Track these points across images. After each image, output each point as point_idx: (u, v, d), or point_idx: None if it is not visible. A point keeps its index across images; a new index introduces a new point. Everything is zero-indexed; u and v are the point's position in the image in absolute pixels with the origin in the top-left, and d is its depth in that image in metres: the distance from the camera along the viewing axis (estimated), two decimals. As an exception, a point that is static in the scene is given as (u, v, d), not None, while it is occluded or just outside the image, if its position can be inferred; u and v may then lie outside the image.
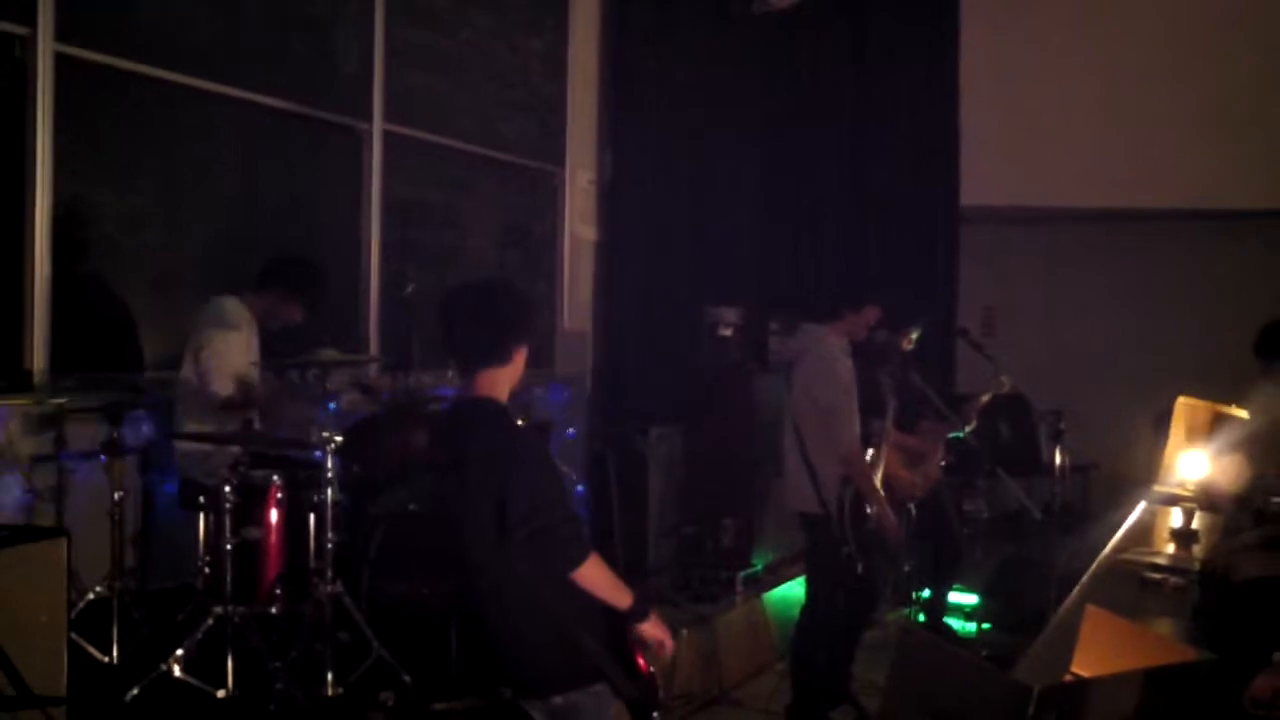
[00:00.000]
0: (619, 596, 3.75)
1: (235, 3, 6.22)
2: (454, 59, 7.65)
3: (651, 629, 3.82)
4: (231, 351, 5.48)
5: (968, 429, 6.99)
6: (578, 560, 3.65)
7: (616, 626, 3.75)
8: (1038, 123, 10.14)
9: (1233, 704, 3.07)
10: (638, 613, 3.77)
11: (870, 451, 6.11)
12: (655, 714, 3.78)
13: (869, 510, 5.90)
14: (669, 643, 3.91)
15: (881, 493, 6.01)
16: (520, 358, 3.87)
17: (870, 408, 6.29)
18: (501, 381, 3.84)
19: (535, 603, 3.66)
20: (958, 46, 10.01)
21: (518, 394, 4.04)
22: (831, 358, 5.97)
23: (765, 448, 7.43)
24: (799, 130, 10.22)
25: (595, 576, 3.70)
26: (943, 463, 6.97)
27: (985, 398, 7.05)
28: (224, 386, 5.41)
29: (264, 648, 4.91)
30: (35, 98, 5.30)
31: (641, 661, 3.77)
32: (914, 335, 7.02)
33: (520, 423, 3.85)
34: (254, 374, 5.56)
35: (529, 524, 3.59)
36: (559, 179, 8.69)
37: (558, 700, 3.75)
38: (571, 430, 7.86)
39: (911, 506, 6.73)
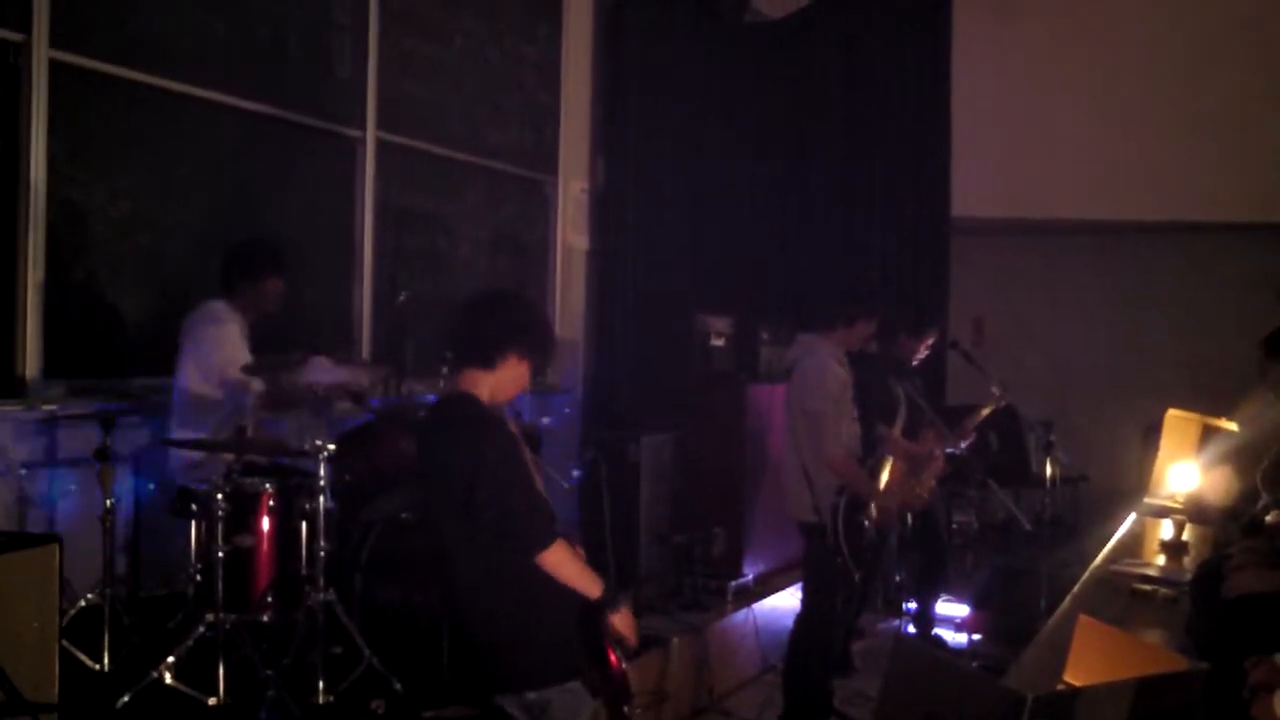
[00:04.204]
0: (588, 585, 3.77)
1: (230, 10, 6.22)
2: (448, 67, 7.66)
3: (620, 620, 3.84)
4: (232, 343, 5.45)
5: (964, 444, 7.03)
6: (541, 545, 3.67)
7: (589, 622, 3.76)
8: (1029, 135, 10.19)
9: (1223, 713, 3.09)
10: (608, 602, 3.79)
11: (870, 458, 6.16)
12: (626, 709, 3.79)
13: (866, 518, 5.93)
14: (633, 637, 3.94)
15: (879, 488, 6.06)
16: (509, 368, 3.91)
17: (879, 414, 6.34)
18: (482, 385, 3.87)
19: (507, 595, 3.69)
20: (949, 58, 10.03)
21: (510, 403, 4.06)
22: (822, 366, 6.00)
23: (757, 457, 7.45)
24: (791, 141, 10.23)
25: (561, 562, 3.72)
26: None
27: (985, 412, 7.09)
28: (241, 376, 5.39)
29: (255, 655, 4.90)
30: (29, 103, 5.29)
31: (613, 657, 3.78)
32: (931, 340, 7.09)
33: (491, 415, 3.85)
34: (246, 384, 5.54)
35: (493, 510, 3.64)
36: (552, 187, 8.70)
37: (531, 695, 3.77)
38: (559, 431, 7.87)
39: (909, 516, 6.77)
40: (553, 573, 3.69)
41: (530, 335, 3.98)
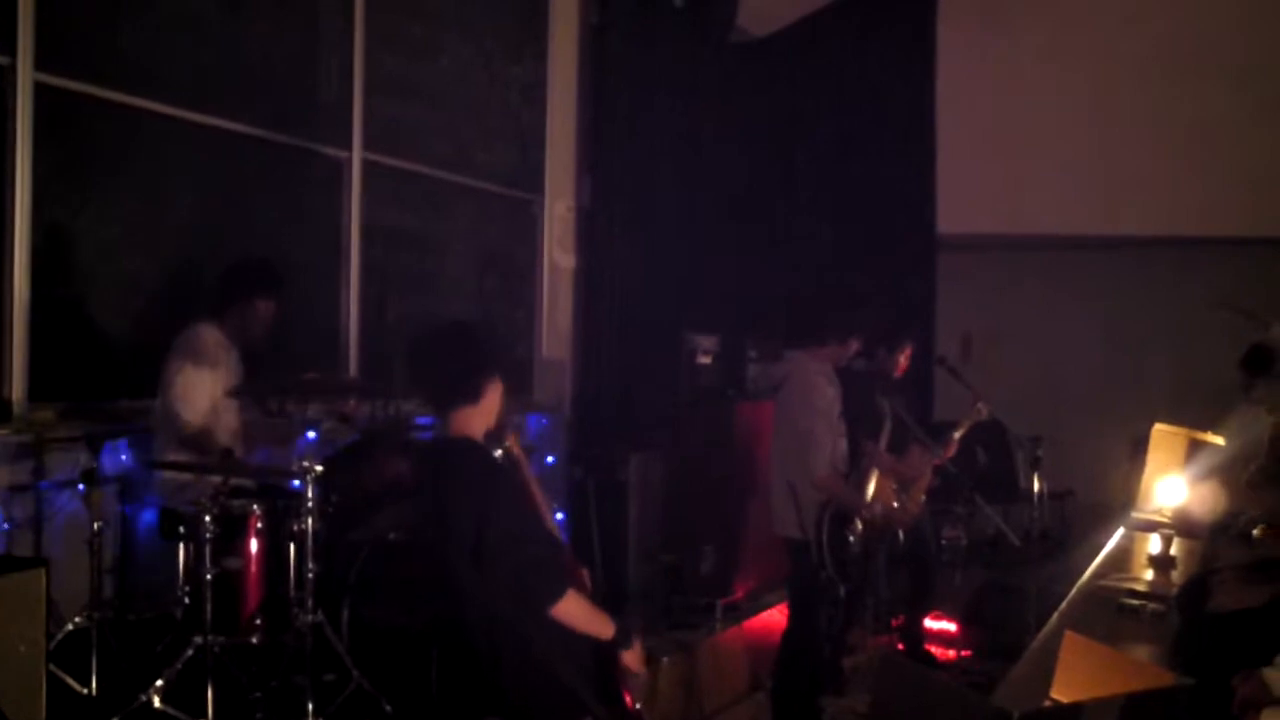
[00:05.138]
0: (601, 628, 3.77)
1: (215, 32, 6.22)
2: (433, 88, 7.67)
3: (630, 657, 3.84)
4: (203, 383, 5.46)
5: (946, 459, 7.04)
6: (555, 597, 3.66)
7: (603, 662, 3.75)
8: (1014, 151, 10.21)
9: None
10: (621, 641, 3.79)
11: (854, 472, 6.17)
12: None
13: (851, 533, 5.94)
14: (640, 667, 3.94)
15: (868, 498, 6.07)
16: (492, 395, 3.90)
17: (865, 429, 6.35)
18: (474, 419, 3.86)
19: (519, 638, 3.67)
20: (934, 75, 10.09)
21: (498, 423, 4.06)
22: (809, 384, 6.01)
23: (745, 475, 7.45)
24: (777, 157, 10.27)
25: (574, 611, 3.71)
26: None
27: (964, 428, 7.11)
28: (193, 416, 5.39)
29: (244, 678, 4.89)
30: (15, 126, 5.29)
31: (628, 698, 3.78)
32: (908, 351, 7.10)
33: (497, 456, 3.86)
34: (231, 408, 5.55)
35: (506, 560, 3.61)
36: (538, 207, 8.70)
37: None
38: (551, 458, 7.87)
39: (900, 532, 6.78)
40: (565, 622, 3.68)
41: (500, 356, 4.03)
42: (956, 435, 7.11)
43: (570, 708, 3.70)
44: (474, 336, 4.02)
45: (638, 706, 3.86)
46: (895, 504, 6.51)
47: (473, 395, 3.85)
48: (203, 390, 5.46)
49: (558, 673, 3.67)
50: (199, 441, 5.39)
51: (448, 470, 3.84)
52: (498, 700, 3.81)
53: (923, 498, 6.91)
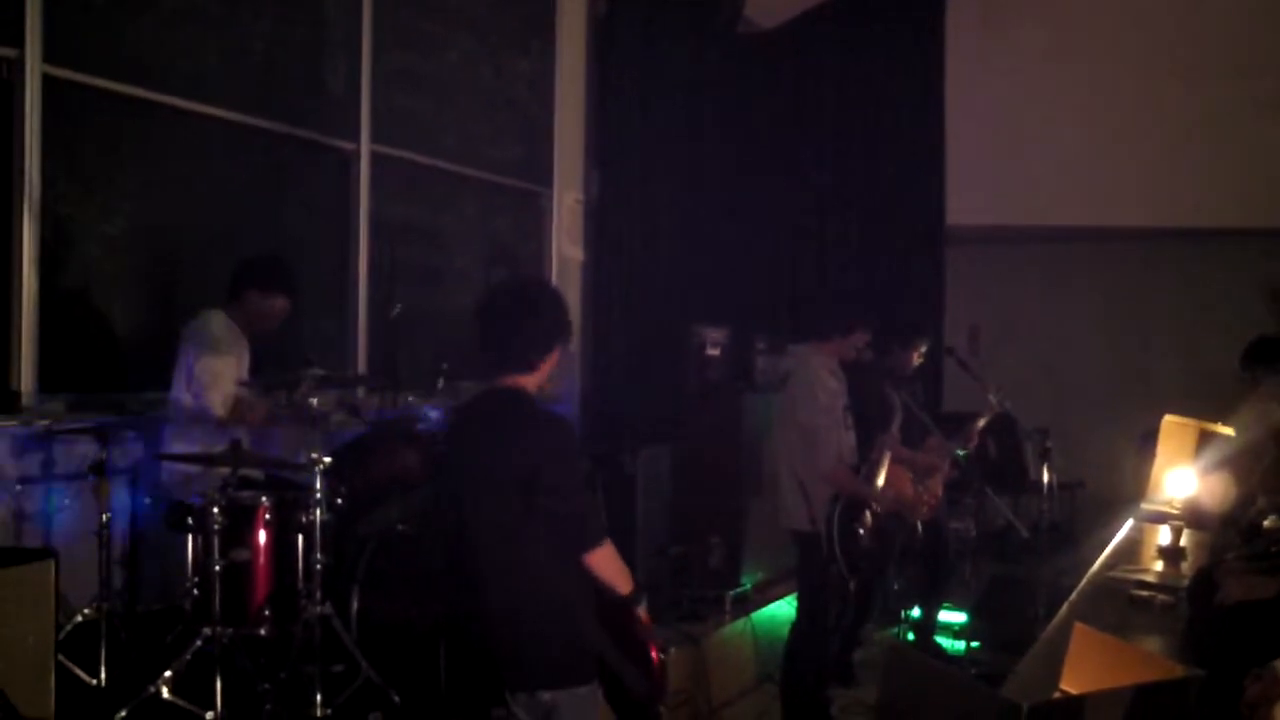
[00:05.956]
0: (624, 581, 3.82)
1: (223, 24, 6.22)
2: (441, 80, 7.67)
3: (644, 614, 3.87)
4: (223, 369, 5.47)
5: (962, 451, 7.03)
6: (598, 541, 3.71)
7: (624, 619, 3.76)
8: (1021, 143, 10.20)
9: (1220, 720, 3.08)
10: (637, 598, 3.84)
11: (866, 463, 6.15)
12: (661, 708, 3.80)
13: (861, 526, 5.93)
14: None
15: (877, 489, 6.05)
16: (547, 366, 3.94)
17: (876, 421, 6.33)
18: (527, 381, 3.91)
19: (544, 590, 3.68)
20: (942, 68, 10.06)
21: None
22: (813, 379, 5.99)
23: (753, 467, 7.45)
24: (784, 150, 10.25)
25: (608, 559, 3.77)
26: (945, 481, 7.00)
27: (984, 420, 7.10)
28: (220, 405, 5.40)
29: (252, 669, 4.89)
30: (23, 119, 5.30)
31: (654, 650, 3.79)
32: (923, 349, 7.09)
33: (557, 413, 3.90)
34: (245, 394, 5.55)
35: (560, 506, 3.65)
36: (546, 199, 8.70)
37: (545, 696, 3.75)
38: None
39: (919, 524, 6.76)
40: (596, 569, 3.72)
41: (562, 327, 3.99)
42: (979, 425, 7.10)
43: (578, 669, 3.72)
44: (541, 306, 3.96)
45: (663, 658, 3.86)
46: (912, 494, 6.49)
47: (529, 367, 3.90)
48: (226, 376, 5.46)
49: (570, 633, 3.68)
50: (228, 427, 5.39)
51: (495, 414, 3.86)
52: (503, 661, 3.81)
53: (941, 490, 6.89)
